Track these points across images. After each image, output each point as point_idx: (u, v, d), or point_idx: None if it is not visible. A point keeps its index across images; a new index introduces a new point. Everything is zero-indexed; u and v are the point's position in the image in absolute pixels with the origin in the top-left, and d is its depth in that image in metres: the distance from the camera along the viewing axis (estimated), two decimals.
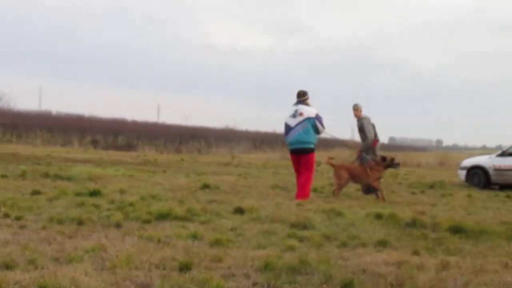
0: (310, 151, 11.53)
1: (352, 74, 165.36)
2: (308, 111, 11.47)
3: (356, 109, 13.30)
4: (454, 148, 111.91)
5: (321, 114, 11.53)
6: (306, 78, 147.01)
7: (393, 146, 79.44)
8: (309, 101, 11.72)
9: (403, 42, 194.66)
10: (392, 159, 12.37)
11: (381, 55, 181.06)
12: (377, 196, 12.19)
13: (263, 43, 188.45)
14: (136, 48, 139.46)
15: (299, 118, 11.47)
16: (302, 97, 11.68)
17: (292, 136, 11.54)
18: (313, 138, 11.50)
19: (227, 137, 60.70)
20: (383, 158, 12.44)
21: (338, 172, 12.29)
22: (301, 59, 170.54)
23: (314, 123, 11.39)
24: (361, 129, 13.23)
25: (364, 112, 13.39)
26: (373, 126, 13.31)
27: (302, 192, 11.39)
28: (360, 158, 13.24)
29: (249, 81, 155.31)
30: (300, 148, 11.53)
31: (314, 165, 11.79)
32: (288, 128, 11.61)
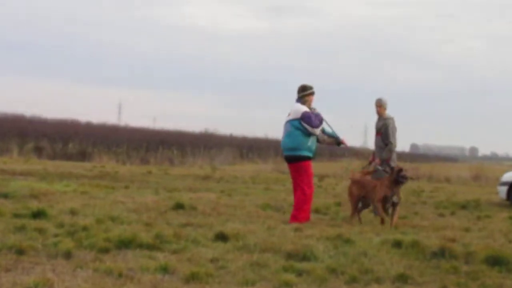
0: (299, 159, 11.60)
1: (366, 65, 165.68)
2: (295, 111, 11.57)
3: (380, 105, 13.35)
4: (493, 158, 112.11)
5: (312, 112, 11.47)
6: (308, 70, 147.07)
7: (415, 155, 79.50)
8: (310, 98, 11.70)
9: (431, 26, 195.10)
10: (399, 170, 11.79)
11: (403, 42, 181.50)
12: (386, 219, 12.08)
13: (255, 26, 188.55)
14: (91, 32, 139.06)
15: (286, 119, 11.72)
16: (299, 93, 11.74)
17: (281, 141, 11.87)
18: (299, 143, 11.55)
19: (206, 144, 60.48)
20: (391, 168, 12.09)
21: (349, 188, 12.29)
22: (302, 46, 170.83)
23: (298, 125, 11.44)
24: (382, 131, 13.24)
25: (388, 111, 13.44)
26: (396, 130, 13.35)
27: (298, 212, 11.42)
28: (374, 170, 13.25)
29: (235, 74, 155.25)
30: (287, 156, 11.79)
31: (312, 178, 11.79)
32: None
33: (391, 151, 13.13)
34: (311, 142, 11.60)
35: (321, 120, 11.58)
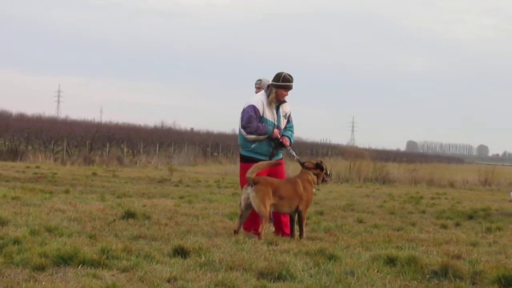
0: (240, 158, 11.92)
1: (360, 49, 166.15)
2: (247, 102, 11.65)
3: (260, 87, 12.60)
4: (506, 158, 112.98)
5: (251, 108, 11.41)
6: (291, 56, 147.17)
7: (412, 154, 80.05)
8: (279, 91, 11.33)
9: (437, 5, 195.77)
10: None
11: (406, 23, 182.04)
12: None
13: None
14: (24, 7, 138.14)
15: None
16: (272, 81, 11.55)
17: None
18: (240, 140, 11.75)
19: (163, 141, 60.43)
20: None
21: None
22: (287, 20, 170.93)
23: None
24: None
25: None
26: None
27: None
28: None
29: (199, 56, 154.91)
30: None
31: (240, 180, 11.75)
32: None
33: None
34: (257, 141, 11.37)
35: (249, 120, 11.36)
